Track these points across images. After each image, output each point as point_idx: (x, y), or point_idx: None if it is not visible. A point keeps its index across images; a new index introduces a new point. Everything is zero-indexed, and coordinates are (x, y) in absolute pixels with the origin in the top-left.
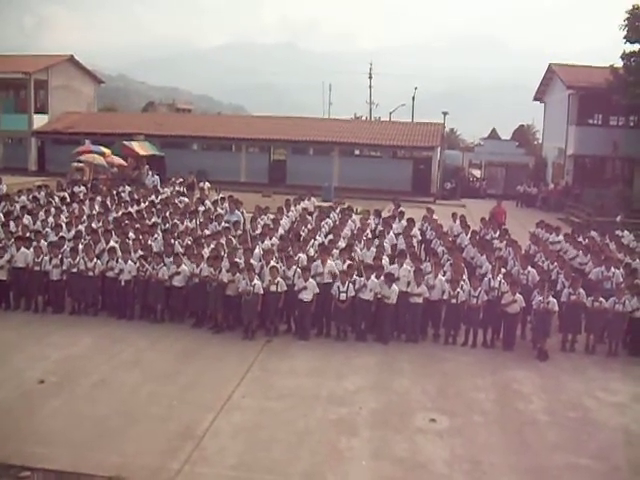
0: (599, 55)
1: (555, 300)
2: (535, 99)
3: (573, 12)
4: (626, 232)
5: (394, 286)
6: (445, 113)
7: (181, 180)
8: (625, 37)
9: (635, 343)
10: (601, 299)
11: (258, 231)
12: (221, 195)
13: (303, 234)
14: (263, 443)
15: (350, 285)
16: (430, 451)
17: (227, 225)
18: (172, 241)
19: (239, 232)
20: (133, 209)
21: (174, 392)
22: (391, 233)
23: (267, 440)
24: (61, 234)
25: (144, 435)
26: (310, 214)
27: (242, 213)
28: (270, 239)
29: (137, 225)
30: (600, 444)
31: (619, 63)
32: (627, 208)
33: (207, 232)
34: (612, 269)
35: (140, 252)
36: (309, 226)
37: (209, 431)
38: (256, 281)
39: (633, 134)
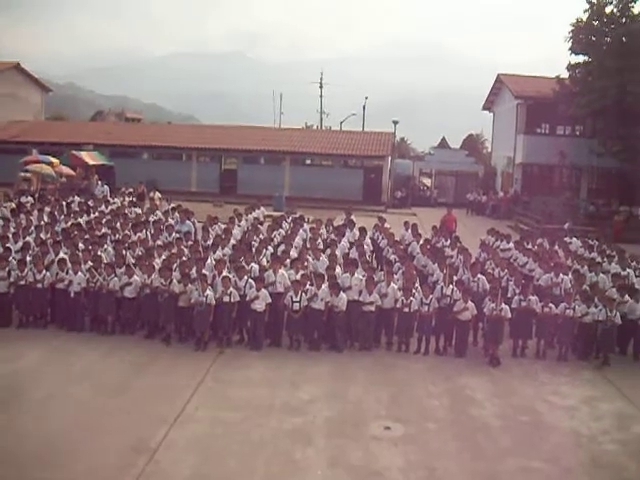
0: (546, 66)
1: (507, 307)
2: (484, 108)
3: (521, 23)
4: (574, 239)
5: (342, 294)
6: (395, 122)
7: (131, 190)
8: (570, 49)
9: (584, 347)
10: (551, 305)
11: (210, 241)
12: (172, 205)
13: (255, 244)
14: (217, 455)
15: (303, 295)
16: (385, 459)
17: (178, 235)
18: (123, 252)
19: (190, 242)
20: (82, 219)
21: (126, 405)
22: (343, 242)
23: (222, 452)
24: (7, 245)
25: (95, 450)
26: (261, 224)
27: (193, 223)
28: (222, 249)
29: (87, 236)
30: (551, 447)
31: (565, 74)
32: (574, 215)
33: (158, 242)
34: (561, 275)
35: (90, 263)
36: (261, 236)
37: (163, 444)
38: (208, 292)
39: (579, 143)
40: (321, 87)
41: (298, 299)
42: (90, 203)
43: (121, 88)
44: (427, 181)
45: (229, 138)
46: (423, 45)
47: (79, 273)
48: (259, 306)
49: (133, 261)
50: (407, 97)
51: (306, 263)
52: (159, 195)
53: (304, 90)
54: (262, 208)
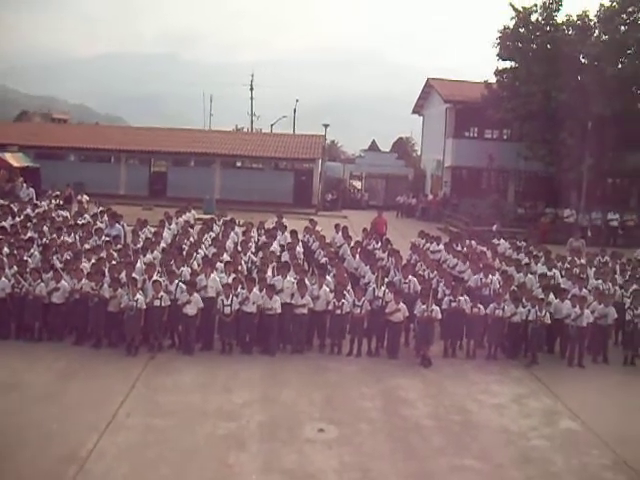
0: (475, 71)
1: (438, 308)
2: (414, 112)
3: (450, 29)
4: (502, 240)
5: (276, 297)
6: (326, 125)
7: (58, 193)
8: (498, 54)
9: (513, 347)
10: (480, 305)
11: (139, 245)
12: (100, 208)
13: (186, 247)
14: (150, 462)
15: (234, 298)
16: (320, 461)
17: (107, 239)
18: (50, 256)
19: (120, 246)
20: (7, 223)
21: (56, 414)
22: (274, 245)
23: (154, 459)
24: None
25: (24, 462)
26: (192, 227)
27: (123, 226)
28: (152, 253)
29: (12, 240)
30: (482, 445)
31: (493, 79)
32: (502, 217)
33: (87, 246)
34: (490, 276)
35: (15, 268)
36: (191, 239)
37: (93, 452)
38: (138, 296)
39: (507, 147)
40: (252, 89)
41: (230, 302)
42: (15, 206)
43: (47, 88)
44: (358, 184)
45: (158, 140)
46: (355, 49)
47: (3, 278)
48: (191, 310)
49: (61, 266)
50: (338, 100)
51: (240, 267)
52: (87, 198)
53: (235, 92)
54: (193, 211)
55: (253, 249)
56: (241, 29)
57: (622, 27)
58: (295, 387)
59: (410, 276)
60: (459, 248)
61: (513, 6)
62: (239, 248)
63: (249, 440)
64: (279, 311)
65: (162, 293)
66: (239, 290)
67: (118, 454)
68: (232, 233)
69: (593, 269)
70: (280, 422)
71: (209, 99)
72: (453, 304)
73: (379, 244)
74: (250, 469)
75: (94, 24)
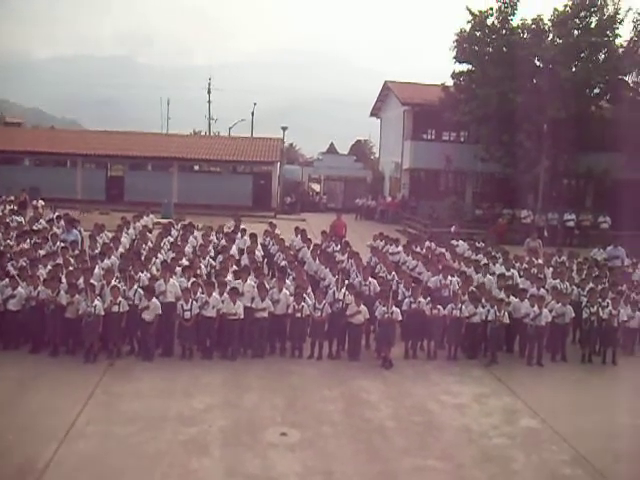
0: (432, 74)
1: (398, 310)
2: (372, 115)
3: (408, 32)
4: (460, 242)
5: (239, 302)
6: (284, 128)
7: (12, 198)
8: (454, 57)
9: (473, 347)
10: (439, 306)
11: (97, 250)
12: (57, 213)
13: (144, 252)
14: (111, 471)
15: (194, 303)
16: (283, 465)
17: (64, 245)
18: (5, 263)
19: (77, 252)
20: None
21: (12, 423)
22: (234, 249)
23: (116, 467)
24: None
25: None
26: (150, 231)
27: (79, 232)
28: (110, 258)
29: None
30: (444, 445)
31: (450, 82)
32: (460, 219)
33: (43, 252)
34: (449, 277)
35: None
36: (150, 244)
37: (52, 462)
38: (96, 302)
39: (464, 149)
40: (209, 92)
41: (189, 307)
42: None
43: (1, 91)
44: (316, 187)
45: (115, 144)
46: (313, 52)
47: None
48: (149, 316)
49: (16, 272)
50: (296, 103)
51: (199, 271)
52: (42, 203)
53: (192, 96)
54: (151, 215)
55: (212, 253)
56: (198, 32)
57: (575, 31)
58: (257, 391)
59: (370, 278)
60: (418, 250)
61: (470, 10)
62: (198, 252)
63: (212, 445)
64: (242, 316)
65: (120, 299)
66: (199, 295)
67: (78, 463)
68: (191, 237)
69: (550, 269)
70: (242, 427)
71: (166, 102)
72: (413, 305)
73: (338, 247)
74: (213, 474)
75: (48, 26)
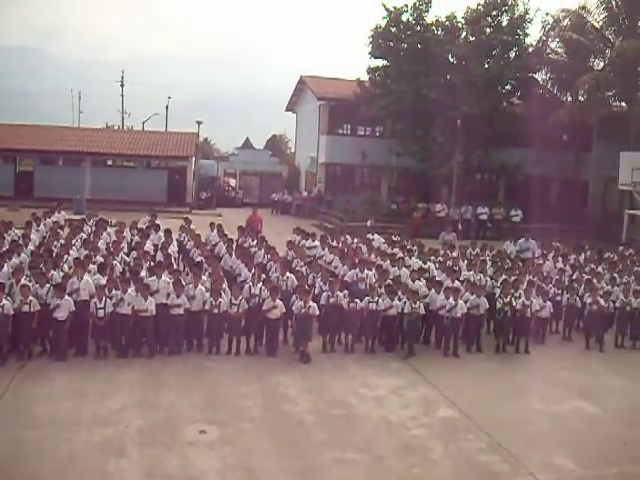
0: (349, 69)
1: (315, 304)
2: (287, 109)
3: (325, 27)
4: (376, 235)
5: (151, 299)
6: (199, 122)
7: None
8: (370, 53)
9: (390, 339)
10: (356, 300)
11: (5, 248)
12: None
13: (55, 249)
14: (24, 477)
15: (108, 300)
16: (202, 463)
17: None
18: None
19: None
20: None
21: None
22: (148, 244)
23: (28, 473)
24: None
25: None
26: (62, 228)
27: None
28: (19, 256)
29: None
30: (364, 437)
31: (366, 77)
32: (376, 213)
33: None
34: (365, 271)
35: None
36: (61, 241)
37: None
38: (5, 301)
39: (379, 143)
40: (122, 86)
41: (103, 305)
42: None
43: None
44: (232, 181)
45: (24, 138)
46: (230, 46)
47: None
48: (62, 315)
49: None
50: (211, 97)
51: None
52: None
53: (105, 89)
54: (62, 211)
55: (126, 249)
56: (113, 24)
57: (487, 29)
58: (174, 389)
59: (287, 273)
60: (335, 244)
61: (385, 6)
62: (111, 249)
63: (129, 446)
64: (154, 313)
65: (31, 298)
66: (113, 292)
67: None
68: (104, 233)
69: (465, 261)
70: (160, 425)
71: (78, 96)
72: (331, 300)
73: (255, 242)
74: (131, 476)
75: None
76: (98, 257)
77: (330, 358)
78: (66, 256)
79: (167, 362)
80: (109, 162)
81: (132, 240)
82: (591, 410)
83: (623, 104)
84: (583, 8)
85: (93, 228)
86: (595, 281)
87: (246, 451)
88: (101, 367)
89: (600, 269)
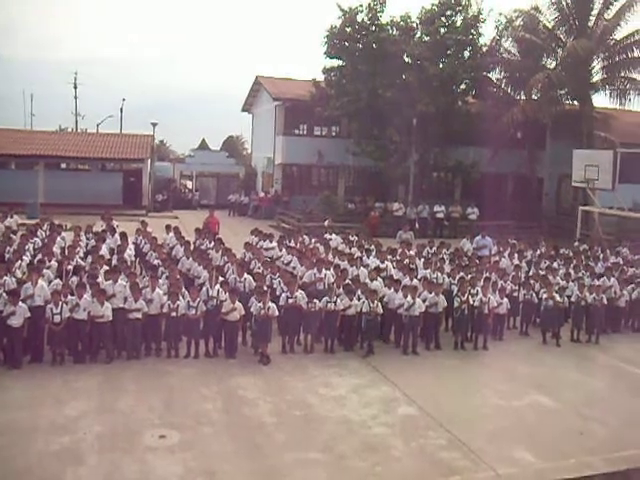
0: (306, 69)
1: (274, 305)
2: (243, 110)
3: (281, 26)
4: (334, 235)
5: (107, 304)
6: (154, 124)
7: None
8: (325, 53)
9: (349, 338)
10: (315, 300)
11: None
12: None
13: (8, 255)
14: None
15: (64, 306)
16: (163, 468)
17: None
18: None
19: None
20: None
21: None
22: (104, 248)
23: None
24: None
25: None
26: (14, 233)
27: None
28: None
29: None
30: (325, 437)
31: (322, 77)
32: (333, 213)
33: None
34: (323, 271)
35: None
36: (14, 246)
37: None
38: None
39: (336, 143)
40: (75, 87)
41: (59, 311)
42: None
43: None
44: (189, 183)
45: None
46: (186, 48)
47: None
48: (16, 322)
49: None
50: (167, 99)
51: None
52: None
53: (58, 91)
54: (15, 216)
55: (81, 254)
56: (65, 25)
57: (442, 29)
58: (133, 394)
59: (245, 274)
60: (292, 244)
61: (340, 6)
62: (66, 253)
63: (87, 453)
64: (110, 318)
65: None
66: (69, 297)
67: None
68: (59, 238)
69: (422, 260)
70: (119, 431)
71: (29, 98)
72: (290, 300)
73: (212, 243)
74: None
75: None
76: (53, 262)
77: (290, 359)
78: (19, 261)
79: (125, 367)
80: (63, 165)
81: (87, 244)
82: (548, 404)
83: (575, 102)
84: (535, 8)
85: (47, 232)
86: (550, 277)
87: (207, 455)
88: (58, 374)
89: (555, 265)
